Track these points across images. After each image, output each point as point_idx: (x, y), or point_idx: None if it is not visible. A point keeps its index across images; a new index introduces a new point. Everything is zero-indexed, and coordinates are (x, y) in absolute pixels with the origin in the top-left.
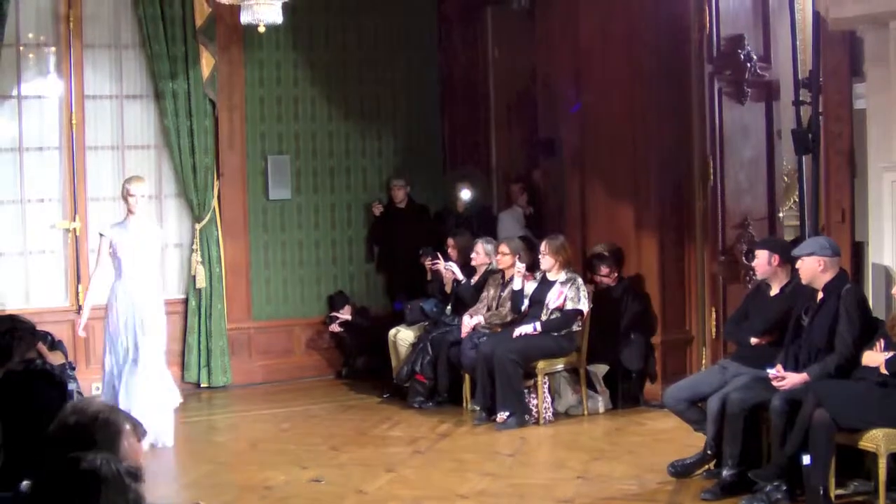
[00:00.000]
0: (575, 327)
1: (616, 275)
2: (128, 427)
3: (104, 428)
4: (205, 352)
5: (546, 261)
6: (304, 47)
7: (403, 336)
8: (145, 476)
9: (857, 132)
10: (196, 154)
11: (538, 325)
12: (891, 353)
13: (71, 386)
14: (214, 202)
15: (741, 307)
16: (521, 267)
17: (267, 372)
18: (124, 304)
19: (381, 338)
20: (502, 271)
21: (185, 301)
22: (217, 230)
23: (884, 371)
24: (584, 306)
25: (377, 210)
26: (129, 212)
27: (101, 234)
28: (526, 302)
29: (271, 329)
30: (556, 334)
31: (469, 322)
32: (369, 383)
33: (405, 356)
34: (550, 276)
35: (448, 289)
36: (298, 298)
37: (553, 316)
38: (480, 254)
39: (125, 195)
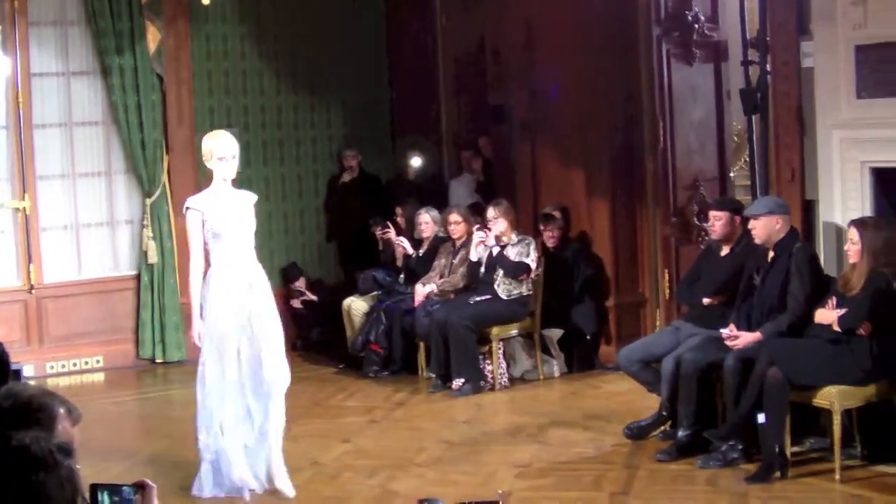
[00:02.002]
0: (526, 290)
1: (565, 232)
2: (62, 411)
3: (39, 412)
4: (159, 327)
5: (499, 224)
6: (251, 20)
7: (357, 306)
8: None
9: (805, 91)
10: (145, 129)
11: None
12: (843, 311)
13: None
14: (164, 177)
15: (692, 268)
16: (481, 236)
17: None
18: (234, 301)
19: (335, 309)
20: (452, 239)
21: (138, 277)
22: (167, 205)
23: (836, 328)
24: (532, 262)
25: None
26: (222, 178)
27: (187, 209)
28: (482, 270)
29: None
30: (507, 298)
31: (422, 290)
32: (324, 354)
33: (359, 326)
34: (504, 241)
35: (399, 263)
36: None
37: (505, 279)
38: (426, 223)
39: (212, 158)
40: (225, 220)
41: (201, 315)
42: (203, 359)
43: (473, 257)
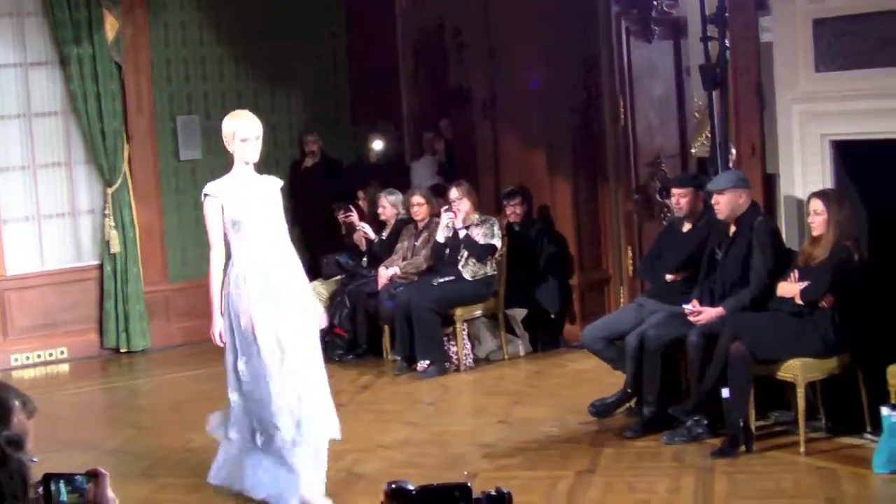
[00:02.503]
0: (490, 270)
1: (527, 211)
2: (17, 404)
3: None
4: (122, 317)
5: (464, 203)
6: (208, 6)
7: (320, 290)
8: (28, 445)
9: (764, 65)
10: (104, 119)
11: (461, 232)
12: (805, 284)
13: None
14: (125, 166)
15: (655, 245)
16: (450, 216)
17: (186, 334)
18: (256, 291)
19: None
20: (415, 221)
21: (101, 267)
22: (129, 194)
23: (799, 301)
24: (498, 242)
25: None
26: (244, 162)
27: (205, 196)
28: (447, 252)
29: (189, 290)
30: (471, 279)
31: (385, 273)
32: None
33: (324, 310)
34: (468, 222)
35: (363, 247)
36: None
37: (471, 261)
38: (387, 207)
39: (234, 139)
40: (246, 207)
41: (221, 311)
42: (243, 358)
43: (440, 238)
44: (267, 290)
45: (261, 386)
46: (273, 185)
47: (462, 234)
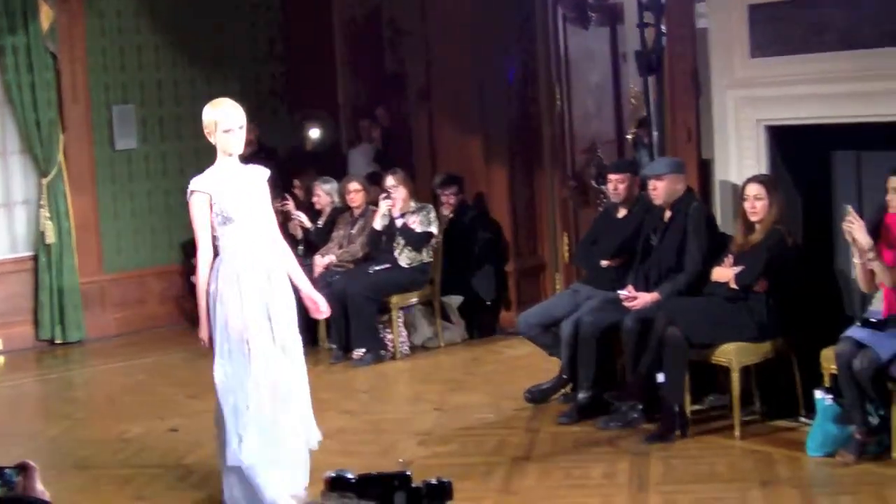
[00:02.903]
0: (426, 258)
1: (460, 197)
2: None
3: None
4: (57, 308)
5: (400, 191)
6: None
7: None
8: None
9: (700, 52)
10: (39, 109)
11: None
12: (739, 268)
13: None
14: (60, 156)
15: (590, 231)
16: (389, 204)
17: (121, 324)
18: (253, 294)
19: None
20: (350, 208)
21: (35, 258)
22: (64, 184)
23: (733, 286)
24: (434, 229)
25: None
26: (226, 153)
27: (191, 192)
28: (383, 239)
29: (124, 280)
30: (407, 267)
31: (321, 261)
32: None
33: None
34: (404, 209)
35: (298, 236)
36: (150, 248)
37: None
38: (322, 195)
39: (216, 130)
40: (237, 201)
41: (208, 311)
42: (221, 362)
43: (378, 226)
44: (266, 289)
45: (237, 395)
46: (260, 175)
47: (399, 222)
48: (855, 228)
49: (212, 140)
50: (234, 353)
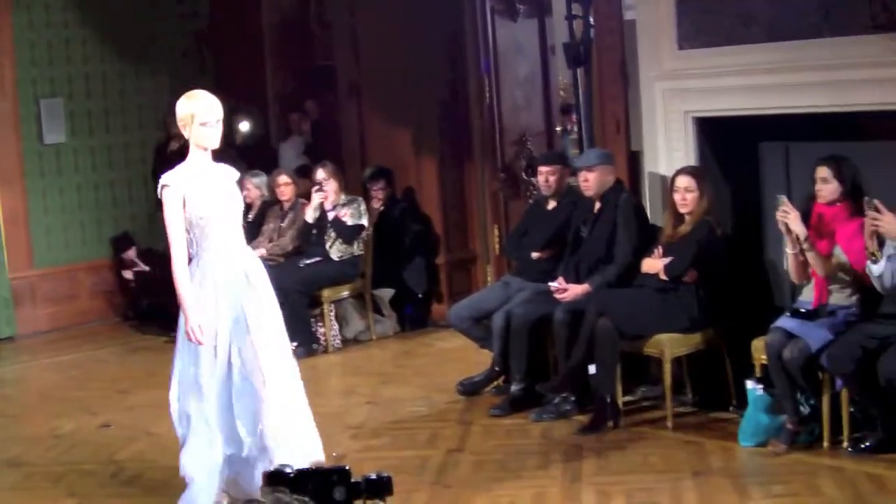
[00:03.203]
0: (357, 251)
1: (390, 190)
2: None
3: None
4: None
5: (330, 184)
6: None
7: None
8: None
9: (628, 43)
10: None
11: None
12: (669, 259)
13: None
14: None
15: (521, 223)
16: (321, 197)
17: (52, 319)
18: (228, 295)
19: (166, 277)
20: (280, 202)
21: None
22: None
23: (663, 277)
24: (365, 222)
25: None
26: (200, 147)
27: (163, 187)
28: (314, 232)
29: (54, 276)
30: (338, 260)
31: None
32: (156, 324)
33: None
34: (334, 202)
35: None
36: (80, 243)
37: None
38: (251, 189)
39: (192, 123)
40: (212, 199)
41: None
42: (188, 361)
43: (309, 218)
44: (244, 292)
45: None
46: (231, 174)
47: (331, 215)
48: (791, 219)
49: (185, 133)
50: (202, 356)
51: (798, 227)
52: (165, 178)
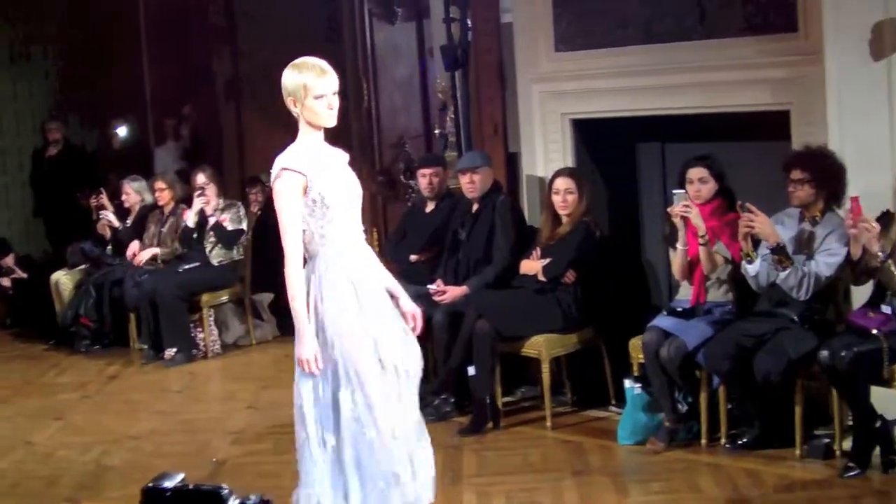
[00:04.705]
0: (236, 255)
1: (267, 194)
2: None
3: None
4: None
5: (211, 188)
6: None
7: (65, 280)
8: None
9: (505, 46)
10: None
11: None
12: (547, 261)
13: None
14: None
15: (399, 226)
16: (203, 201)
17: None
18: (369, 297)
19: (45, 285)
20: (160, 207)
21: None
22: None
23: (542, 278)
24: (245, 226)
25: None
26: (314, 127)
27: (283, 170)
28: (194, 237)
29: None
30: (217, 265)
31: (146, 253)
32: (34, 331)
33: (68, 301)
34: (214, 207)
35: (107, 235)
36: None
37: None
38: (130, 193)
39: (304, 97)
40: (336, 186)
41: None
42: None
43: (190, 223)
44: (373, 296)
45: (370, 421)
46: (346, 158)
47: (211, 220)
48: (693, 214)
49: (295, 110)
50: (363, 376)
51: (700, 223)
52: (284, 161)
